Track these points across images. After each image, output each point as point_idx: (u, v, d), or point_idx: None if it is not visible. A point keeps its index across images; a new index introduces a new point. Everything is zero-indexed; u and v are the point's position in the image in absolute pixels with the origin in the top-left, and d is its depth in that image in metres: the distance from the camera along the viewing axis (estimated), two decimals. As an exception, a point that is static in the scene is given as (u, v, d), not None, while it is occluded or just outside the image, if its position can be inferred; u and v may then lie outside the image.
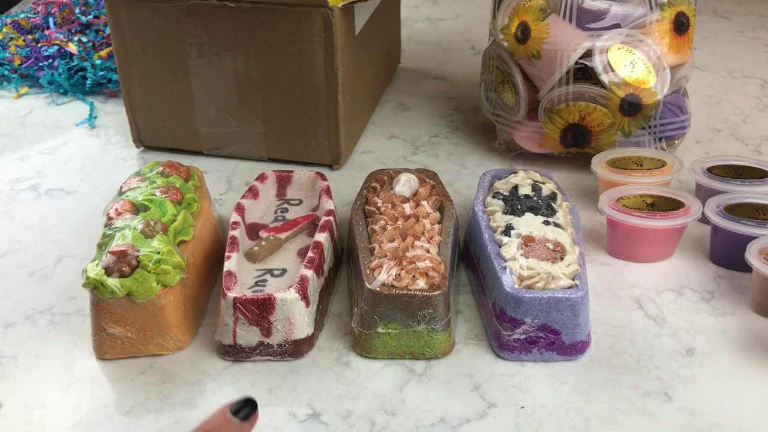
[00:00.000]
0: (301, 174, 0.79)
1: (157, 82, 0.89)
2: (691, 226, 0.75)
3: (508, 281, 0.63)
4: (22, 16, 1.18)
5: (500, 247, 0.67)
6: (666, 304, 0.70)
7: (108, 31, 1.09)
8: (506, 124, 0.90)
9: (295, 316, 0.62)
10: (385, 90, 1.08)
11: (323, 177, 0.78)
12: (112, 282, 0.61)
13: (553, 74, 0.83)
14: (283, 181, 0.78)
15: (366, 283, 0.63)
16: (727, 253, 0.74)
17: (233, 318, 0.62)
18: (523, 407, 0.60)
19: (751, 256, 0.68)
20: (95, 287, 0.61)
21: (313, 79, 0.84)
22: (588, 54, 0.82)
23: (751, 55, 1.18)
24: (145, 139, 0.94)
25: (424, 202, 0.72)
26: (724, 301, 0.70)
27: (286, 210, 0.76)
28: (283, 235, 0.71)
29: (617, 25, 0.82)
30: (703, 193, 0.79)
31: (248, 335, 0.63)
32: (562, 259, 0.65)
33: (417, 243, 0.66)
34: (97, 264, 0.62)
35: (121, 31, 0.86)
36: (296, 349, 0.64)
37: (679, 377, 0.62)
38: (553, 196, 0.73)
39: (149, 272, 0.62)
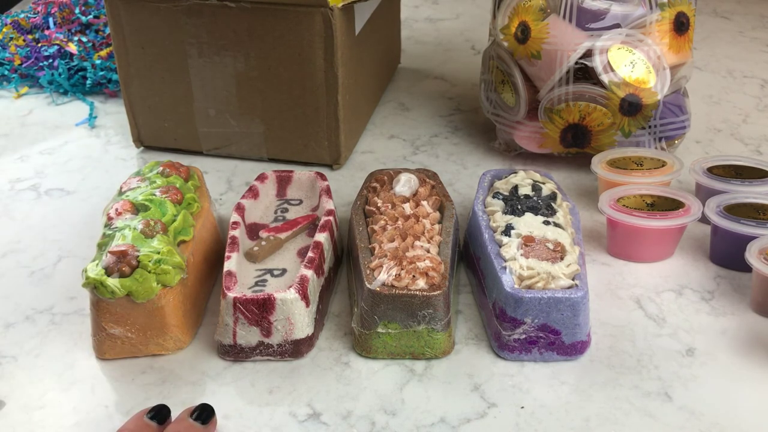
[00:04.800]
0: (301, 174, 0.79)
1: (157, 82, 0.89)
2: (691, 226, 0.75)
3: (508, 281, 0.63)
4: (22, 16, 1.18)
5: (500, 247, 0.67)
6: (666, 304, 0.70)
7: (108, 31, 1.10)
8: (506, 124, 0.90)
9: (295, 316, 0.62)
10: (385, 90, 1.08)
11: (323, 177, 0.78)
12: (112, 282, 0.61)
13: (553, 74, 0.83)
14: (283, 181, 0.78)
15: (366, 283, 0.63)
16: (727, 253, 0.74)
17: (233, 318, 0.62)
18: (523, 407, 0.60)
19: (751, 256, 0.68)
20: (95, 287, 0.61)
21: (313, 79, 0.84)
22: (588, 54, 0.82)
23: (751, 55, 1.18)
24: (145, 139, 0.94)
25: (424, 202, 0.72)
26: (724, 301, 0.70)
27: (286, 210, 0.76)
28: (283, 235, 0.71)
29: (617, 25, 0.82)
30: (703, 193, 0.79)
31: (248, 335, 0.63)
32: (562, 259, 0.65)
33: (417, 243, 0.66)
34: (97, 264, 0.62)
35: (121, 31, 0.86)
36: (296, 349, 0.64)
37: (679, 377, 0.62)
38: (553, 196, 0.73)
39: (149, 272, 0.62)
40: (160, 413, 0.56)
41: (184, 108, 0.90)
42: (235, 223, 0.71)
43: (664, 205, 0.75)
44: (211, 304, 0.71)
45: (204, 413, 0.56)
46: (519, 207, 0.71)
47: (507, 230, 0.68)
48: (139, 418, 0.56)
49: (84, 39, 1.11)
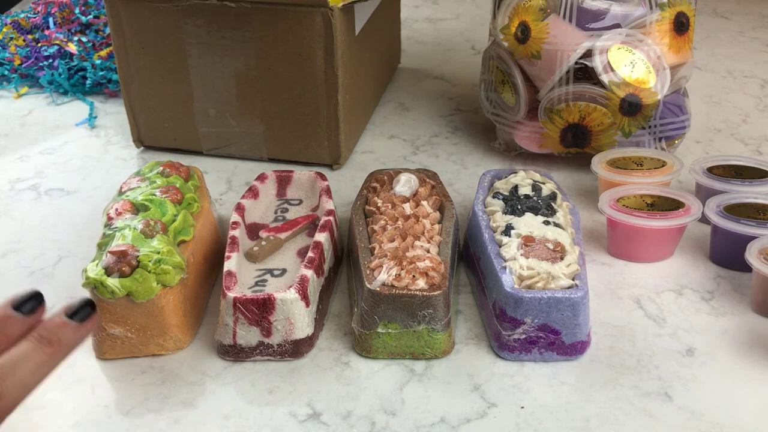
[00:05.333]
0: (301, 174, 0.78)
1: (157, 82, 0.89)
2: (691, 226, 0.75)
3: (508, 281, 0.63)
4: (22, 16, 1.18)
5: (500, 247, 0.67)
6: (666, 304, 0.70)
7: (108, 31, 1.09)
8: (506, 124, 0.90)
9: (295, 316, 0.62)
10: (385, 90, 1.08)
11: (323, 177, 0.78)
12: (112, 282, 0.61)
13: (553, 74, 0.83)
14: (283, 181, 0.78)
15: (366, 283, 0.63)
16: (727, 253, 0.74)
17: (233, 318, 0.62)
18: (523, 407, 0.60)
19: (751, 256, 0.68)
20: (95, 287, 0.61)
21: (313, 79, 0.84)
22: (588, 54, 0.82)
23: (751, 55, 1.18)
24: (145, 139, 0.94)
25: (424, 202, 0.72)
26: (724, 301, 0.70)
27: (286, 210, 0.76)
28: (283, 235, 0.71)
29: (617, 25, 0.82)
30: (703, 193, 0.79)
31: (248, 335, 0.63)
32: (562, 259, 0.65)
33: (417, 243, 0.66)
34: (97, 264, 0.62)
35: (121, 31, 0.86)
36: (296, 349, 0.64)
37: (679, 377, 0.62)
38: (553, 196, 0.73)
39: (149, 272, 0.62)
40: (27, 304, 0.45)
41: (184, 108, 0.90)
42: (235, 223, 0.71)
43: (664, 205, 0.75)
44: (211, 304, 0.71)
45: (82, 311, 0.46)
46: (519, 207, 0.71)
47: (507, 230, 0.68)
48: (4, 307, 0.45)
49: (84, 39, 1.11)
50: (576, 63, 0.82)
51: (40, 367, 0.44)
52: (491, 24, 0.90)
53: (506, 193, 0.73)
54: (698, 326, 0.68)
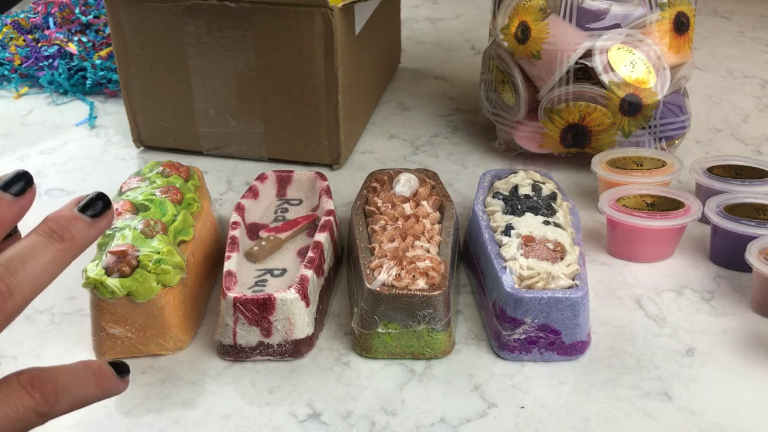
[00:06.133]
0: (301, 174, 0.79)
1: (157, 82, 0.89)
2: (691, 226, 0.75)
3: (508, 281, 0.63)
4: (22, 16, 1.18)
5: (500, 247, 0.67)
6: (666, 304, 0.70)
7: (108, 31, 1.09)
8: (506, 124, 0.90)
9: (295, 316, 0.62)
10: (385, 90, 1.08)
11: (323, 177, 0.78)
12: (112, 282, 0.61)
13: (553, 74, 0.83)
14: (283, 181, 0.78)
15: (366, 283, 0.63)
16: (727, 253, 0.74)
17: (233, 318, 0.62)
18: (523, 407, 0.60)
19: (751, 256, 0.68)
20: (95, 287, 0.61)
21: (313, 79, 0.84)
22: (588, 54, 0.82)
23: (751, 55, 1.18)
24: (145, 139, 0.94)
25: (424, 202, 0.72)
26: (724, 301, 0.70)
27: (286, 210, 0.76)
28: (283, 235, 0.71)
29: (617, 25, 0.82)
30: (703, 193, 0.79)
31: (248, 335, 0.63)
32: (562, 259, 0.65)
33: (417, 243, 0.66)
34: (97, 264, 0.62)
35: (121, 31, 0.86)
36: (296, 349, 0.64)
37: (679, 377, 0.62)
38: (553, 196, 0.73)
39: (149, 272, 0.62)
40: (16, 184, 0.40)
41: (184, 108, 0.90)
42: (235, 223, 0.71)
43: (664, 205, 0.75)
44: (211, 304, 0.71)
45: (95, 205, 0.41)
46: (519, 207, 0.71)
47: (507, 230, 0.68)
48: None
49: (84, 39, 1.11)
50: (576, 63, 0.82)
51: (52, 264, 0.40)
52: (491, 24, 0.90)
53: (506, 193, 0.73)
54: (698, 326, 0.68)
